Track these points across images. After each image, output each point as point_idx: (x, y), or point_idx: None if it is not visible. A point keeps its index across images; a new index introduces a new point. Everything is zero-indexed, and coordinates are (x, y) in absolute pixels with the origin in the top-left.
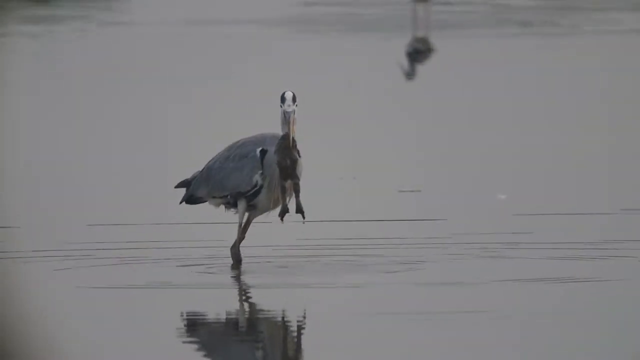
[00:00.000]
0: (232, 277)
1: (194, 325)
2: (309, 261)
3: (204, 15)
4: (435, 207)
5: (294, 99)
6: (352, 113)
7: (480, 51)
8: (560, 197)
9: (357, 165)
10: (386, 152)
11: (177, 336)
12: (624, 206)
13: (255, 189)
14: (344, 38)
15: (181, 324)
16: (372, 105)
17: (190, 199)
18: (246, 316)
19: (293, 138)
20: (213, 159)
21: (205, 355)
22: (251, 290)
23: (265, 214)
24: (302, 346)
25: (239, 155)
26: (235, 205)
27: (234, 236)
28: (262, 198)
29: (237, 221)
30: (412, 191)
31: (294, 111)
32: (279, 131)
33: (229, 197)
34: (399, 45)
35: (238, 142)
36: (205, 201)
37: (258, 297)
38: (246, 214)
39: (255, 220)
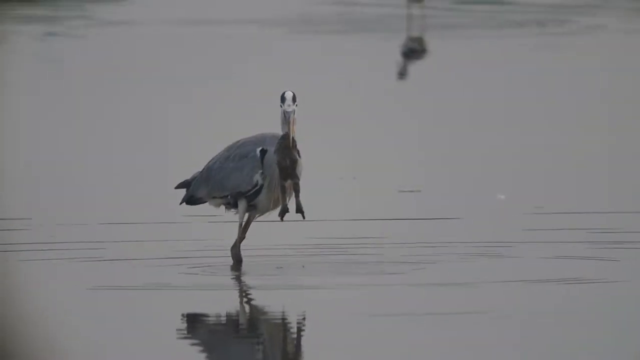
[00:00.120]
0: (232, 277)
1: (194, 326)
2: (309, 261)
3: (204, 15)
4: (435, 208)
5: (294, 99)
6: (352, 113)
7: (480, 51)
8: (560, 197)
9: (357, 166)
10: (386, 152)
11: (177, 336)
12: (624, 206)
13: (256, 188)
14: (344, 38)
15: (181, 324)
16: (372, 105)
17: (190, 200)
18: (246, 316)
19: (293, 138)
20: (213, 159)
21: (205, 356)
22: (251, 290)
23: (265, 214)
24: (302, 346)
25: (239, 155)
26: (235, 206)
27: (234, 236)
28: (262, 198)
29: (238, 221)
30: (412, 191)
31: (294, 111)
32: (279, 131)
33: (229, 197)
34: (399, 46)
35: (238, 142)
36: (206, 202)
37: (258, 297)
38: (246, 214)
39: (255, 220)
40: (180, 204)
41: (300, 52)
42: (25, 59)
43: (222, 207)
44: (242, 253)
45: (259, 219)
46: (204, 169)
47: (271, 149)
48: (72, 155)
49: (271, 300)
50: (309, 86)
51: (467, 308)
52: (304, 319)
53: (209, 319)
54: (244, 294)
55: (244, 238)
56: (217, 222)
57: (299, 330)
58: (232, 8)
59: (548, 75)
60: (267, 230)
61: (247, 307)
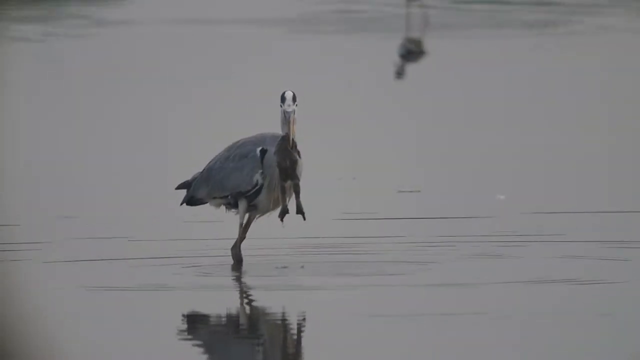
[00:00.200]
0: (232, 277)
1: (195, 326)
2: (309, 261)
3: (204, 15)
4: (435, 208)
5: (294, 99)
6: (351, 113)
7: (479, 51)
8: (560, 197)
9: (356, 166)
10: (386, 153)
11: (177, 337)
12: (624, 206)
13: (256, 188)
14: (343, 38)
15: (181, 325)
16: (372, 105)
17: (190, 200)
18: (246, 316)
19: (293, 139)
20: (213, 159)
21: (205, 356)
22: (251, 290)
23: (266, 214)
24: (302, 346)
25: (239, 155)
26: (235, 206)
27: (234, 236)
28: (262, 198)
29: (238, 221)
30: (411, 191)
31: (294, 111)
32: (279, 131)
33: (229, 197)
34: (396, 46)
35: (238, 142)
36: (206, 202)
37: (258, 298)
38: (246, 214)
39: (256, 220)
40: (181, 204)
41: (300, 52)
42: (25, 59)
43: (223, 208)
44: (242, 253)
45: (259, 219)
46: (204, 169)
47: (271, 149)
48: (72, 155)
49: (271, 301)
50: (308, 86)
51: (467, 308)
52: (304, 319)
53: (209, 319)
54: (244, 294)
55: (244, 238)
56: (217, 222)
57: (299, 330)
58: (232, 8)
59: (548, 75)
60: (267, 230)
61: (247, 307)
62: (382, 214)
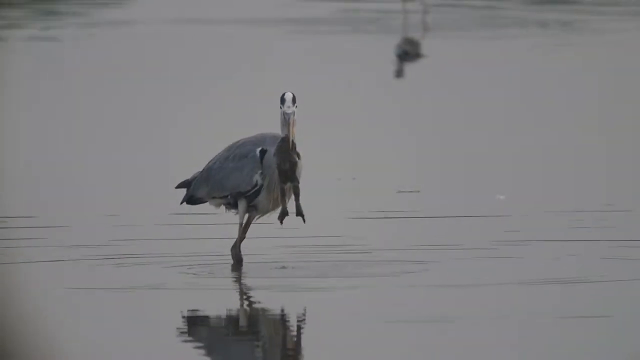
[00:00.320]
0: (232, 277)
1: (195, 326)
2: (308, 262)
3: (204, 15)
4: (435, 208)
5: (293, 101)
6: (351, 113)
7: (478, 51)
8: (560, 197)
9: (356, 166)
10: (385, 153)
11: (177, 337)
12: (623, 206)
13: (256, 188)
14: (343, 38)
15: (181, 325)
16: (372, 105)
17: (190, 200)
18: (246, 316)
19: (292, 141)
20: (213, 159)
21: (205, 356)
22: (251, 290)
23: (266, 215)
24: (302, 346)
25: (238, 155)
26: (235, 206)
27: (234, 236)
28: (262, 198)
29: (238, 222)
30: (411, 192)
31: (294, 112)
32: (278, 131)
33: (229, 197)
34: (393, 46)
35: (238, 142)
36: (206, 202)
37: (258, 298)
38: (246, 215)
39: (256, 221)
40: (181, 203)
41: (300, 52)
42: (25, 59)
43: (223, 207)
44: (242, 253)
45: (259, 220)
46: (204, 169)
47: (271, 149)
48: (72, 155)
49: (271, 301)
50: (308, 86)
51: (466, 308)
52: (304, 319)
53: (209, 319)
54: (244, 294)
55: (244, 238)
56: (217, 222)
57: (299, 330)
58: (232, 8)
59: (547, 75)
60: (267, 230)
61: (247, 308)
62: (382, 214)
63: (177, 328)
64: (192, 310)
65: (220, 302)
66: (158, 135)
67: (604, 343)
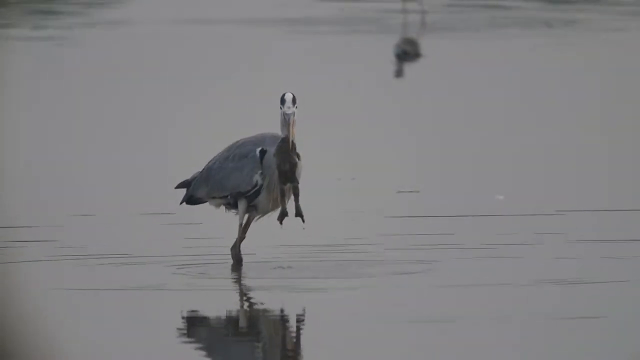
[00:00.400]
0: (232, 277)
1: (195, 326)
2: (308, 262)
3: (204, 15)
4: (434, 208)
5: (293, 101)
6: (351, 113)
7: (478, 51)
8: (559, 197)
9: (356, 166)
10: (385, 153)
11: (177, 337)
12: (623, 205)
13: (255, 189)
14: (343, 38)
15: (181, 325)
16: (371, 105)
17: (190, 200)
18: (246, 317)
19: (292, 141)
20: (213, 159)
21: (205, 356)
22: (251, 290)
23: (266, 215)
24: (302, 347)
25: (238, 155)
26: (235, 206)
27: (234, 236)
28: (261, 199)
29: (237, 222)
30: (411, 192)
31: (294, 113)
32: (278, 131)
33: (229, 197)
34: (392, 46)
35: (238, 142)
36: (206, 202)
37: (258, 298)
38: (246, 215)
39: (256, 221)
40: (181, 203)
41: (300, 52)
42: (25, 59)
43: (222, 208)
44: (242, 253)
45: (259, 220)
46: (204, 169)
47: (271, 149)
48: (72, 155)
49: (271, 301)
50: (308, 86)
51: (467, 308)
52: (303, 319)
53: (209, 319)
54: (243, 295)
55: (243, 238)
56: (217, 222)
57: (299, 330)
58: (232, 8)
59: (547, 75)
60: (267, 230)
61: (247, 308)
62: (382, 214)
63: (177, 328)
64: (192, 310)
65: (220, 303)
66: (157, 135)
67: (604, 343)
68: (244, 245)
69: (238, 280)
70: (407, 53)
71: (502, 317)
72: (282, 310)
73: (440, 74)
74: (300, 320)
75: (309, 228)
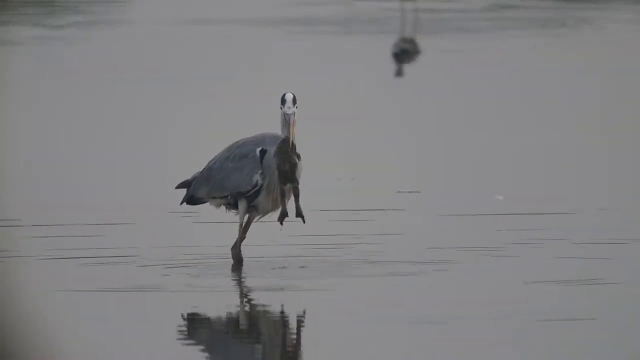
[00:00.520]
0: (232, 277)
1: (195, 326)
2: (308, 262)
3: (204, 15)
4: (434, 208)
5: (294, 101)
6: (350, 113)
7: (478, 51)
8: (559, 197)
9: (355, 166)
10: (385, 153)
11: (177, 337)
12: (623, 205)
13: (256, 189)
14: (343, 38)
15: (182, 325)
16: (371, 105)
17: (190, 200)
18: (246, 317)
19: (292, 142)
20: (213, 159)
21: (205, 356)
22: (251, 290)
23: (266, 215)
24: (302, 347)
25: (238, 155)
26: (235, 206)
27: (234, 236)
28: (262, 199)
29: (238, 222)
30: (410, 192)
31: (294, 113)
32: (279, 131)
33: (229, 197)
34: (390, 45)
35: (238, 142)
36: (206, 202)
37: (258, 298)
38: (246, 215)
39: (256, 221)
40: (181, 204)
41: (300, 52)
42: (25, 59)
43: (223, 208)
44: (243, 253)
45: (259, 220)
46: (204, 168)
47: (271, 149)
48: (72, 155)
49: (271, 301)
50: (308, 86)
51: (467, 308)
52: (303, 319)
53: (209, 319)
54: (244, 295)
55: (244, 238)
56: (217, 222)
57: (299, 330)
58: (232, 8)
59: (547, 75)
60: (267, 230)
61: (247, 308)
62: (381, 214)
63: (178, 328)
64: (192, 310)
65: (220, 303)
66: (157, 135)
67: (603, 343)
68: (244, 246)
69: (238, 280)
70: (407, 51)
71: (502, 317)
72: (282, 310)
73: (440, 74)
74: (300, 320)
75: (309, 228)
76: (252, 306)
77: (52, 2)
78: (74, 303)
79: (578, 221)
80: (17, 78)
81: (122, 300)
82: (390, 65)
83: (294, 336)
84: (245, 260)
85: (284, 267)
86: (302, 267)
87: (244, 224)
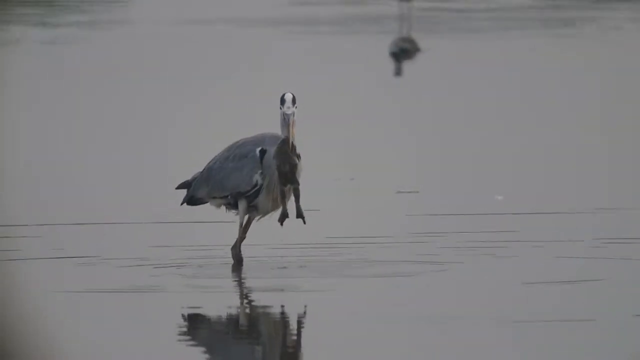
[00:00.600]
0: (232, 277)
1: (195, 326)
2: (308, 262)
3: (204, 15)
4: (434, 208)
5: (293, 101)
6: (351, 113)
7: (478, 51)
8: (559, 197)
9: (355, 166)
10: (384, 153)
11: (178, 337)
12: (623, 205)
13: (256, 188)
14: (343, 38)
15: (182, 325)
16: (371, 105)
17: (191, 200)
18: (247, 316)
19: (292, 142)
20: (213, 159)
21: (205, 356)
22: (251, 290)
23: (266, 215)
24: (302, 347)
25: (238, 155)
26: (235, 206)
27: (234, 236)
28: (262, 199)
29: (238, 222)
30: (410, 192)
31: (294, 113)
32: (278, 131)
33: (229, 197)
34: (388, 45)
35: (238, 142)
36: (206, 202)
37: (258, 298)
38: (246, 215)
39: (256, 221)
40: (181, 204)
41: (300, 52)
42: (25, 59)
43: (223, 208)
44: (243, 253)
45: (260, 220)
46: (204, 169)
47: (271, 149)
48: (72, 155)
49: (271, 301)
50: (308, 86)
51: (467, 308)
52: (303, 319)
53: (209, 319)
54: (244, 295)
55: (244, 238)
56: (218, 222)
57: (299, 330)
58: (230, 8)
59: (547, 75)
60: (267, 230)
61: (247, 308)
62: (381, 214)
63: (178, 328)
64: (192, 310)
65: (220, 302)
66: (157, 135)
67: (603, 343)
68: (244, 246)
69: (238, 280)
70: (406, 50)
71: (502, 317)
72: (282, 310)
73: (440, 73)
74: (300, 320)
75: (309, 228)
76: (252, 306)
77: (52, 2)
78: (73, 303)
79: (578, 221)
80: (17, 78)
81: (122, 301)
82: (390, 65)
83: (294, 336)
84: (245, 260)
85: (284, 267)
86: (302, 267)
87: (244, 224)
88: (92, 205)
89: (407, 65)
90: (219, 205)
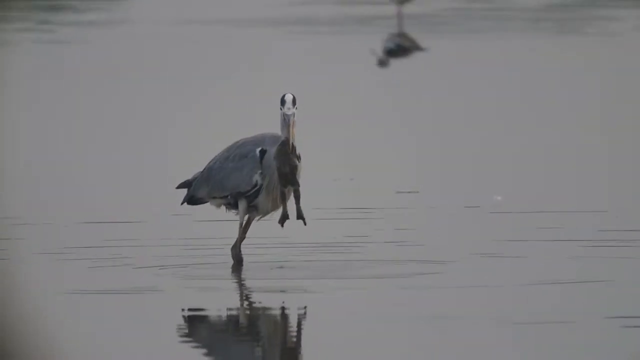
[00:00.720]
0: (232, 277)
1: (195, 326)
2: (308, 262)
3: (204, 15)
4: (433, 209)
5: (294, 102)
6: (350, 113)
7: (478, 51)
8: (559, 197)
9: (355, 166)
10: (384, 153)
11: (178, 337)
12: (623, 205)
13: (255, 188)
14: (343, 38)
15: (182, 325)
16: (371, 105)
17: (191, 200)
18: (246, 316)
19: (292, 143)
20: (213, 159)
21: (205, 356)
22: (251, 290)
23: (267, 215)
24: (302, 347)
25: (238, 155)
26: (236, 206)
27: (234, 236)
28: (261, 199)
29: (238, 222)
30: (410, 192)
31: (294, 114)
32: (278, 131)
33: (229, 197)
34: (381, 41)
35: (238, 142)
36: (207, 202)
37: (258, 298)
38: (246, 215)
39: (256, 221)
40: (182, 204)
41: (300, 52)
42: (25, 59)
43: (223, 208)
44: (242, 253)
45: (260, 220)
46: (204, 169)
47: (271, 149)
48: (72, 155)
49: (271, 301)
50: (308, 86)
51: (467, 308)
52: (303, 319)
53: (209, 319)
54: (244, 295)
55: (244, 238)
56: (218, 222)
57: (299, 330)
58: (230, 8)
59: (547, 75)
60: (267, 230)
61: (247, 308)
62: (380, 214)
63: (178, 328)
64: (192, 310)
65: (220, 302)
66: (157, 135)
67: (604, 343)
68: (244, 245)
69: (238, 280)
70: (403, 48)
71: (502, 317)
72: (282, 310)
73: (440, 73)
74: (300, 320)
75: (309, 228)
76: (252, 306)
77: (52, 2)
78: (73, 303)
79: (578, 221)
80: (17, 78)
81: (122, 301)
82: (390, 64)
83: (294, 336)
84: (245, 260)
85: (284, 267)
86: (302, 267)
87: (244, 224)
88: (92, 205)
89: (407, 66)
90: (219, 205)
